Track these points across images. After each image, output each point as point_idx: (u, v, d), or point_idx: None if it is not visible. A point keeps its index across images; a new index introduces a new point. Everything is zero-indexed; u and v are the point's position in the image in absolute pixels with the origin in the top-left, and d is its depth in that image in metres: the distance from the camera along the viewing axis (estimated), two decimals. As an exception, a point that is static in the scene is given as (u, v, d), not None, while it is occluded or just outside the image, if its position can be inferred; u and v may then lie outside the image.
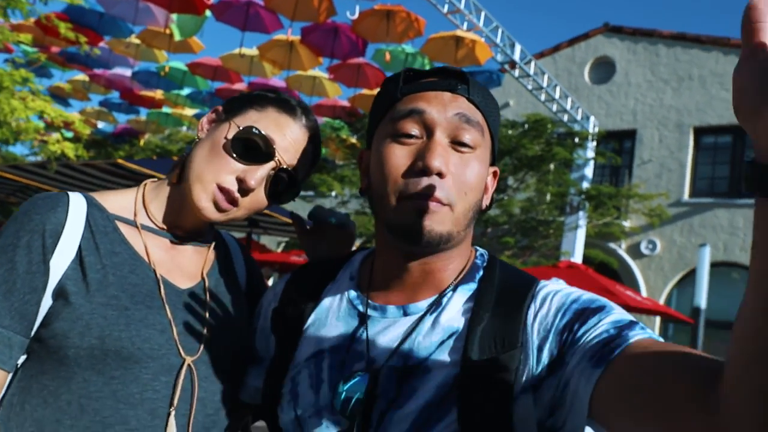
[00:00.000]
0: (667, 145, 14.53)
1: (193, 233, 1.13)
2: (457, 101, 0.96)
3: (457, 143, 0.94)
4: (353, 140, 14.39)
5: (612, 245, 14.44)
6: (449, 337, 0.93)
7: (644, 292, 13.68)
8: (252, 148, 1.07)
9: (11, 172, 8.19)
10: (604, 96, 15.62)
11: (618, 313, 0.86)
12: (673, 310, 11.04)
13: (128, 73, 13.50)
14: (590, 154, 13.56)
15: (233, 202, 1.06)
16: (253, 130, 1.07)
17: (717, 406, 0.63)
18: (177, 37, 10.95)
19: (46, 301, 0.95)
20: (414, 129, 0.94)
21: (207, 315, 1.07)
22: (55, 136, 6.93)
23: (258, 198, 1.10)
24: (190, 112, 15.63)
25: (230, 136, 1.07)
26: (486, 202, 1.02)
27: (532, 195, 13.67)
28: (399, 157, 0.94)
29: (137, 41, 11.75)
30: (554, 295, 0.92)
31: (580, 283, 8.65)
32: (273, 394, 1.03)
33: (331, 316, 1.04)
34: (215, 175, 1.05)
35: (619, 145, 15.03)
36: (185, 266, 1.09)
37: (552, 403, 0.85)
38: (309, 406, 0.97)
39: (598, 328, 0.83)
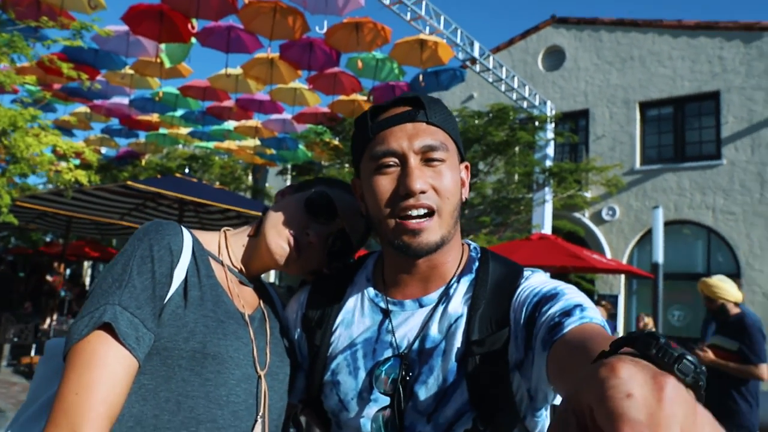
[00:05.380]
0: (617, 120, 14.75)
1: (254, 276, 1.25)
2: (419, 129, 1.04)
3: (428, 161, 1.03)
4: (336, 142, 14.47)
5: (577, 215, 14.68)
6: (455, 321, 1.04)
7: (608, 254, 13.95)
8: (320, 208, 1.19)
9: (32, 202, 8.24)
10: (558, 81, 15.80)
11: (566, 299, 0.93)
12: (635, 268, 11.30)
13: (125, 101, 13.43)
14: (550, 135, 13.74)
15: (298, 249, 1.16)
16: (324, 193, 1.21)
17: None
18: (167, 64, 10.94)
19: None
20: (390, 161, 1.03)
21: (269, 336, 1.16)
22: (64, 164, 6.95)
23: (316, 255, 1.20)
24: (184, 130, 15.58)
25: (303, 198, 1.21)
26: (465, 194, 1.11)
27: (501, 177, 13.86)
28: (384, 185, 1.03)
29: (131, 72, 11.70)
30: (527, 289, 1.01)
31: (552, 251, 8.84)
32: (316, 386, 1.14)
33: (356, 314, 1.14)
34: (287, 225, 1.17)
35: (574, 124, 15.24)
36: (247, 299, 1.20)
37: (531, 377, 0.96)
38: (350, 389, 1.08)
39: (548, 315, 0.91)
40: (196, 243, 1.13)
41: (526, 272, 1.08)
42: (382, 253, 1.20)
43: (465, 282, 1.10)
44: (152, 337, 0.99)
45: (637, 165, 14.27)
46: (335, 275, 1.24)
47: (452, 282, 1.10)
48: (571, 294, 0.95)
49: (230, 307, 1.11)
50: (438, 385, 1.00)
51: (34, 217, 10.96)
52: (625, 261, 13.77)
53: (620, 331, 12.70)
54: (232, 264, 1.22)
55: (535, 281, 1.04)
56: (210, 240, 1.22)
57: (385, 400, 1.03)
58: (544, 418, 1.04)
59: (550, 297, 0.95)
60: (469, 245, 1.18)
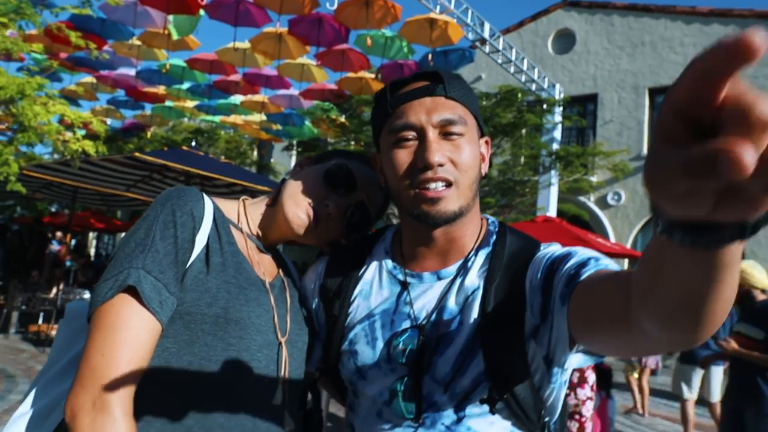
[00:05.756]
0: (625, 105, 14.64)
1: (271, 245, 1.24)
2: (438, 104, 1.04)
3: (447, 134, 1.03)
4: (342, 119, 14.40)
5: (582, 199, 14.66)
6: (472, 294, 1.05)
7: (612, 239, 13.96)
8: (339, 180, 1.18)
9: (39, 171, 8.24)
10: (567, 65, 15.65)
11: (579, 255, 0.94)
12: (639, 253, 11.31)
13: (132, 72, 13.34)
14: (558, 118, 13.66)
15: (317, 220, 1.16)
16: (344, 165, 1.20)
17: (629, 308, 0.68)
18: (174, 36, 10.85)
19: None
20: (409, 135, 1.04)
21: (289, 304, 1.16)
22: (70, 135, 6.91)
23: (334, 226, 1.19)
24: (190, 104, 15.49)
25: (323, 170, 1.20)
26: (485, 169, 1.11)
27: (507, 158, 13.81)
28: (403, 158, 1.04)
29: (138, 43, 11.61)
30: (541, 257, 1.02)
31: (556, 234, 8.85)
32: (333, 355, 1.15)
33: (375, 286, 1.15)
34: (306, 196, 1.17)
35: (582, 108, 15.15)
36: (267, 267, 1.20)
37: (548, 342, 0.97)
38: (368, 359, 1.08)
39: (564, 271, 0.92)
40: (217, 210, 1.13)
41: (543, 246, 1.09)
42: (400, 227, 1.20)
43: (482, 255, 1.10)
44: (175, 302, 0.99)
45: (645, 151, 14.20)
46: (353, 247, 1.23)
47: (470, 255, 1.10)
48: (584, 251, 0.96)
49: (251, 274, 1.11)
50: (455, 355, 1.01)
51: (40, 186, 10.97)
52: (629, 246, 13.77)
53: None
54: (251, 232, 1.21)
55: (549, 250, 1.05)
56: (230, 208, 1.21)
57: (403, 370, 1.04)
58: (559, 386, 1.05)
59: (563, 257, 0.96)
60: (487, 219, 1.18)
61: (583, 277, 0.87)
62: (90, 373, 0.89)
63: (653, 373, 9.27)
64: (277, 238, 1.23)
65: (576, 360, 0.99)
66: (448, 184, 1.02)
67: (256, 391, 1.03)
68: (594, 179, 14.48)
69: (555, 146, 13.50)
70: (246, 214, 1.23)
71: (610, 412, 4.96)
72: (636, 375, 7.72)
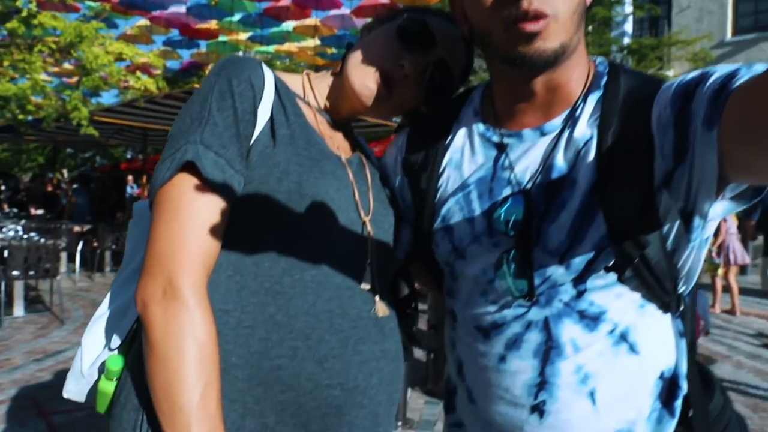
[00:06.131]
0: (705, -14, 13.30)
1: (344, 120, 1.11)
2: None
3: None
4: (397, 36, 13.89)
5: (657, 96, 13.73)
6: (584, 146, 0.87)
7: (693, 136, 13.10)
8: (414, 36, 1.01)
9: (107, 116, 8.47)
10: (637, -52, 14.26)
11: (722, 69, 0.75)
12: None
13: (182, 9, 13.30)
14: (628, 9, 12.60)
15: (390, 85, 1.00)
16: (418, 18, 1.02)
17: None
18: (219, -36, 10.61)
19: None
20: None
21: (370, 182, 1.04)
22: (133, 80, 7.02)
23: (411, 92, 1.04)
24: (243, 36, 15.38)
25: (394, 27, 1.02)
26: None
27: (574, 59, 13.00)
28: None
29: (185, -24, 11.48)
30: (667, 87, 0.82)
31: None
32: (425, 235, 1.02)
33: (466, 153, 1.00)
34: (376, 60, 1.01)
35: (656, -5, 13.89)
36: (341, 143, 1.07)
37: (687, 189, 0.79)
38: (466, 234, 0.95)
39: (706, 92, 0.72)
40: (279, 81, 0.99)
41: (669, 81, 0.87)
42: (489, 85, 1.03)
43: (592, 100, 0.90)
44: (241, 180, 0.88)
45: (729, 36, 12.96)
46: (436, 114, 1.07)
47: (578, 103, 0.91)
48: (727, 65, 0.75)
49: (324, 147, 0.98)
50: (569, 220, 0.85)
51: (113, 132, 11.36)
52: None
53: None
54: (320, 106, 1.08)
55: (677, 79, 0.83)
56: (293, 81, 1.07)
57: (508, 243, 0.90)
58: (699, 246, 0.87)
59: (699, 78, 0.76)
60: (594, 61, 0.97)
61: (735, 86, 0.67)
62: (156, 260, 0.81)
63: (743, 271, 8.85)
64: (348, 111, 1.08)
65: (720, 209, 0.79)
66: (546, 17, 0.82)
67: (341, 274, 0.92)
68: (671, 73, 13.43)
69: (626, 40, 12.53)
70: (312, 88, 1.08)
71: (701, 309, 4.74)
72: (720, 272, 7.41)
